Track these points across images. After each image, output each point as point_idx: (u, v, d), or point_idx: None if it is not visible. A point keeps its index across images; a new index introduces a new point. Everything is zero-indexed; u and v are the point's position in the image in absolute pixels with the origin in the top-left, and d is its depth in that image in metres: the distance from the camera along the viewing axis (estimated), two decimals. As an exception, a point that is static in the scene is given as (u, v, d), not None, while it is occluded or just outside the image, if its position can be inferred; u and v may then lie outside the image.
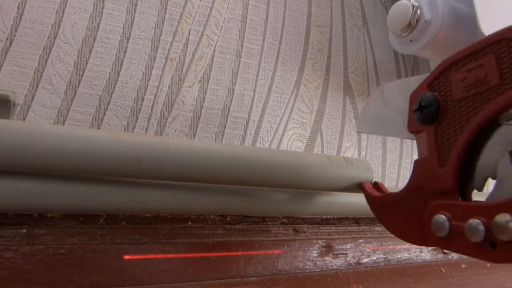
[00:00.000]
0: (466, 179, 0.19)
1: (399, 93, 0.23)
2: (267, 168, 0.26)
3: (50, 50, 0.32)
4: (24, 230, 0.26)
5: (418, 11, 0.34)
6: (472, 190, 0.19)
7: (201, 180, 0.25)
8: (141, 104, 0.35)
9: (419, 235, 0.20)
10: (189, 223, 0.31)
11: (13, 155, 0.20)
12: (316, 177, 0.27)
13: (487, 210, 0.16)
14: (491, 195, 0.18)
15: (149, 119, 0.36)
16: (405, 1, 0.35)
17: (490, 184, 0.19)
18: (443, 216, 0.18)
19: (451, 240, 0.18)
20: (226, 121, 0.39)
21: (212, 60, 0.39)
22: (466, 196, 0.19)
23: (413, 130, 0.21)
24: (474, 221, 0.16)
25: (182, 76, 0.38)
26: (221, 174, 0.25)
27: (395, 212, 0.23)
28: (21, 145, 0.20)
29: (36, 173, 0.22)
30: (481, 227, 0.16)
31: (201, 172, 0.24)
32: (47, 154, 0.21)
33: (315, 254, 0.35)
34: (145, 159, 0.23)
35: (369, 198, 0.26)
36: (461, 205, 0.18)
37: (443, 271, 0.41)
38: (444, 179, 0.19)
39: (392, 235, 0.23)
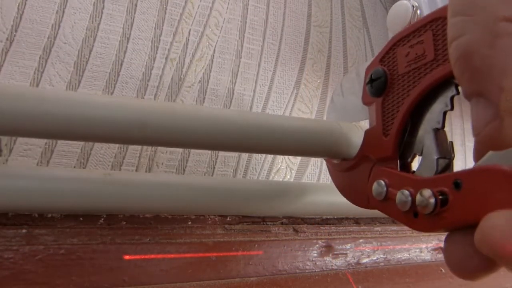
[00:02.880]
0: (406, 148, 0.20)
1: (356, 80, 0.24)
2: (277, 133, 0.25)
3: (50, 50, 0.32)
4: (24, 230, 0.26)
5: (418, 11, 0.34)
6: (413, 158, 0.20)
7: (208, 147, 0.24)
8: (141, 104, 0.35)
9: (364, 198, 0.22)
10: (189, 223, 0.31)
11: (20, 120, 0.20)
12: (326, 143, 0.26)
13: (415, 183, 0.18)
14: (419, 167, 0.19)
15: (149, 119, 0.36)
16: (405, 1, 0.35)
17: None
18: (382, 182, 0.20)
19: (386, 205, 0.20)
20: (226, 121, 0.39)
21: (212, 60, 0.40)
22: (406, 164, 0.20)
23: (366, 102, 0.23)
24: (404, 192, 0.18)
25: (182, 76, 0.38)
26: (228, 139, 0.24)
27: (347, 177, 0.24)
28: (28, 110, 0.20)
29: (43, 137, 0.22)
30: (409, 198, 0.18)
31: (208, 138, 0.23)
32: (53, 120, 0.21)
33: (315, 254, 0.35)
34: (151, 123, 0.22)
35: (328, 165, 0.27)
36: (397, 174, 0.19)
37: (443, 271, 0.41)
38: (386, 147, 0.20)
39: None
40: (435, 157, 0.18)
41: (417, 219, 0.17)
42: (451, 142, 0.19)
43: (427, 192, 0.16)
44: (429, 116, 0.19)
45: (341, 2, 0.50)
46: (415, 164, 0.20)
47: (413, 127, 0.20)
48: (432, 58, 0.18)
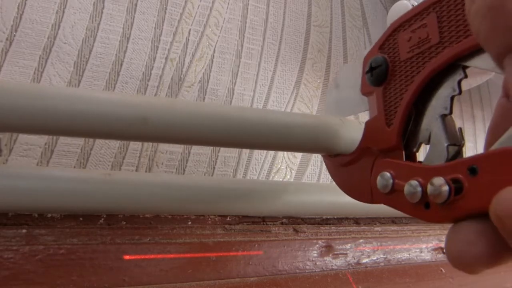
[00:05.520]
0: (411, 137, 0.19)
1: (354, 72, 0.24)
2: (277, 130, 0.25)
3: (50, 50, 0.32)
4: (24, 230, 0.26)
5: (418, 11, 0.34)
6: (418, 148, 0.19)
7: (208, 142, 0.24)
8: (141, 104, 0.35)
9: (367, 192, 0.21)
10: (189, 223, 0.31)
11: (21, 116, 0.20)
12: (329, 139, 0.26)
13: (425, 172, 0.17)
14: (427, 155, 0.18)
15: (149, 119, 0.36)
16: (405, 1, 0.35)
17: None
18: (387, 174, 0.19)
19: (393, 197, 0.19)
20: (226, 121, 0.39)
21: (212, 60, 0.39)
22: (411, 154, 0.19)
23: (365, 91, 0.22)
24: (413, 183, 0.17)
25: (182, 76, 0.38)
26: (228, 135, 0.24)
27: (348, 172, 0.24)
28: (28, 106, 0.20)
29: (42, 134, 0.22)
30: (419, 189, 0.17)
31: (208, 133, 0.24)
32: (55, 115, 0.21)
33: (315, 254, 0.35)
34: (151, 118, 0.22)
35: (326, 160, 0.26)
36: (403, 164, 0.18)
37: (443, 271, 0.41)
38: (390, 137, 0.20)
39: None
40: (445, 144, 0.17)
41: (428, 210, 0.16)
42: (460, 128, 0.18)
43: (439, 180, 0.15)
44: (435, 103, 0.18)
45: (341, 2, 0.50)
46: (416, 156, 0.20)
47: (417, 115, 0.19)
48: (437, 41, 0.17)
